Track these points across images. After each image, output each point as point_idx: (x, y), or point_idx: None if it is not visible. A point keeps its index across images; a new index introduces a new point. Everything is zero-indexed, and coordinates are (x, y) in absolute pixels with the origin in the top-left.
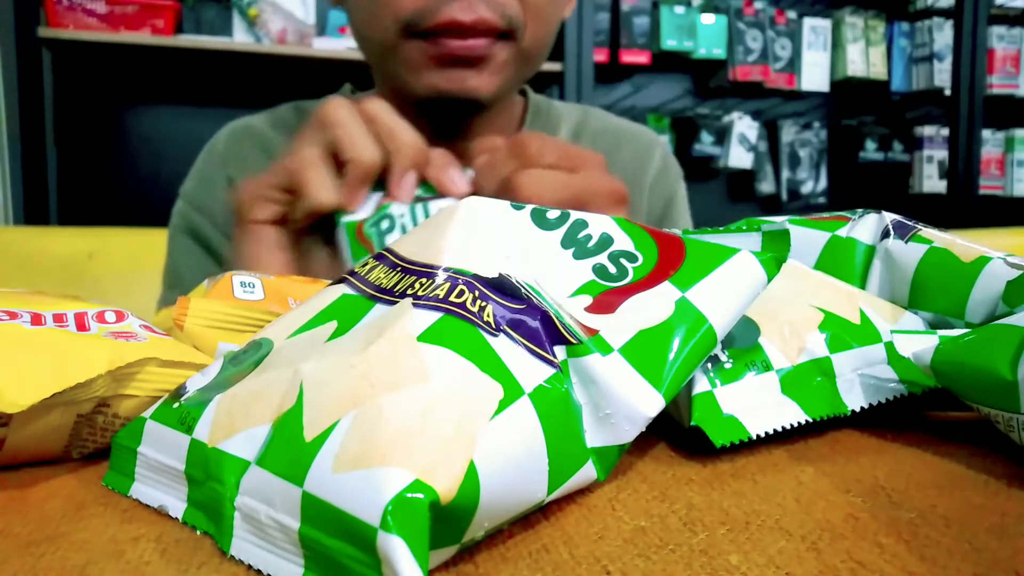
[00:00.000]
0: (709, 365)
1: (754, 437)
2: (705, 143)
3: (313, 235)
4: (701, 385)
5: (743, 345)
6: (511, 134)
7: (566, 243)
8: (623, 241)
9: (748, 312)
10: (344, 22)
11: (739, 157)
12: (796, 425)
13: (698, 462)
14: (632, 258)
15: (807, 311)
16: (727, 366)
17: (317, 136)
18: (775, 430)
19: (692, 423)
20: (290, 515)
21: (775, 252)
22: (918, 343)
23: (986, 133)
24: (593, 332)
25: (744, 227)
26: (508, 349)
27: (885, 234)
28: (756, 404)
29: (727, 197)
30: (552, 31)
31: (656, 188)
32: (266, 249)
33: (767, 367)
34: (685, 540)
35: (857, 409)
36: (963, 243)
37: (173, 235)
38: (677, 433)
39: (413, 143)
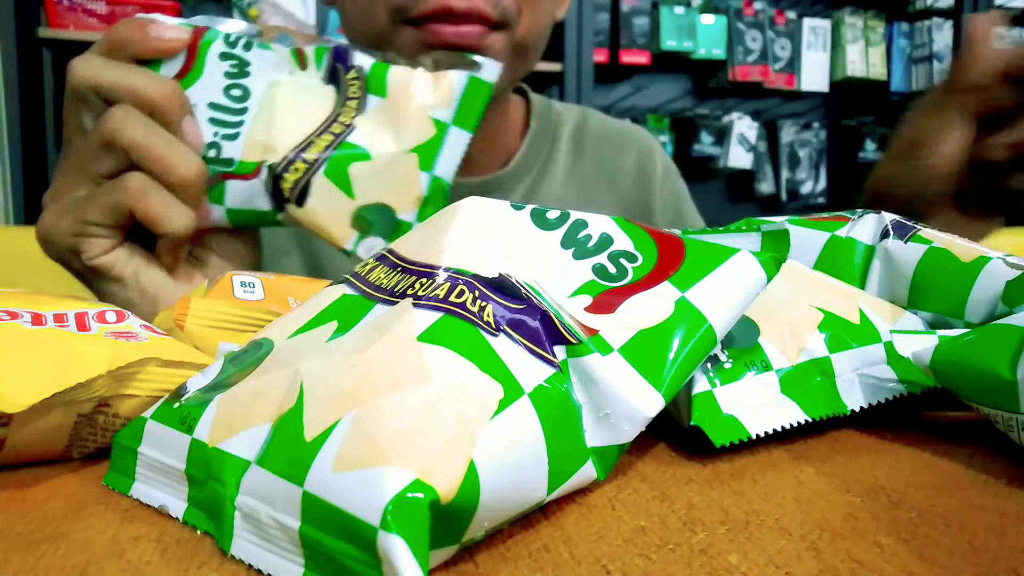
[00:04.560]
0: (709, 365)
1: (753, 437)
2: (705, 143)
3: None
4: (701, 385)
5: (743, 345)
6: (515, 135)
7: (566, 243)
8: (623, 241)
9: (748, 312)
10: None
11: (739, 157)
12: (795, 425)
13: (698, 462)
14: (632, 258)
15: (807, 311)
16: (727, 366)
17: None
18: (774, 430)
19: (692, 423)
20: (290, 515)
21: (775, 252)
22: (917, 343)
23: None
24: (593, 332)
25: (744, 227)
26: (508, 349)
27: (884, 234)
28: (756, 404)
29: (727, 197)
30: (546, 25)
31: (665, 189)
32: (133, 272)
33: (767, 367)
34: (685, 540)
35: (856, 409)
36: (962, 243)
37: None
38: (677, 433)
39: (161, 89)
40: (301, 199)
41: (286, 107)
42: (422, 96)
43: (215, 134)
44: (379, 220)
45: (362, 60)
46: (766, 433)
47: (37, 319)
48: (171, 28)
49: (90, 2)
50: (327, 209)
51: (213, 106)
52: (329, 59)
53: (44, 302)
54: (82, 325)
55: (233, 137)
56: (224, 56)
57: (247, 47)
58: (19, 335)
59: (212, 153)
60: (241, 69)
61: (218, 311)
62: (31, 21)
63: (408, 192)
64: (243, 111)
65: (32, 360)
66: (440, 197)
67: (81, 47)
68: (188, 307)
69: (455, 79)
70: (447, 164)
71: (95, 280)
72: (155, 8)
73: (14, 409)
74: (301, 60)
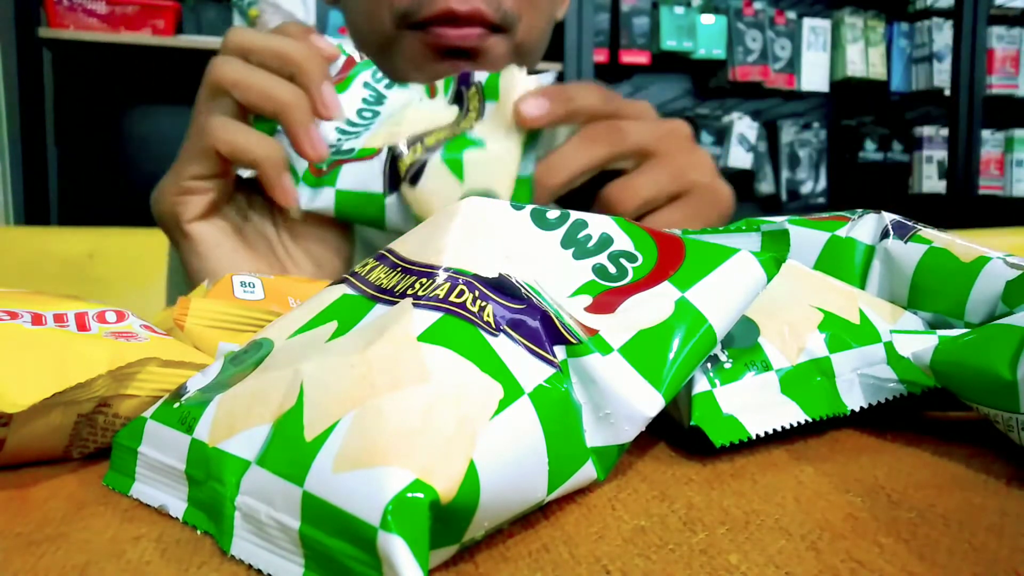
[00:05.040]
0: (709, 365)
1: (753, 437)
2: (705, 143)
3: (248, 197)
4: (701, 385)
5: (743, 345)
6: None
7: (566, 243)
8: (623, 241)
9: (748, 312)
10: (344, 23)
11: (739, 157)
12: (796, 425)
13: (698, 462)
14: (632, 258)
15: (807, 311)
16: (727, 366)
17: (220, 103)
18: (774, 430)
19: (692, 423)
20: (290, 515)
21: (775, 252)
22: (917, 343)
23: (985, 133)
24: (593, 332)
25: (744, 227)
26: (508, 349)
27: (884, 234)
28: (756, 404)
29: None
30: (546, 26)
31: None
32: (216, 246)
33: (767, 367)
34: (685, 540)
35: (857, 409)
36: (963, 243)
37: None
38: (677, 433)
39: (308, 54)
40: (415, 179)
41: (413, 119)
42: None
43: (338, 139)
44: None
45: (480, 76)
46: (766, 433)
47: (37, 319)
48: (330, 45)
49: (90, 2)
50: (438, 191)
51: (345, 121)
52: (455, 84)
53: (44, 302)
54: (82, 325)
55: (356, 136)
56: (367, 86)
57: (388, 86)
58: (19, 335)
59: (331, 150)
60: (378, 99)
61: (218, 311)
62: (31, 21)
63: (509, 182)
64: (368, 125)
65: (32, 360)
66: (526, 189)
67: (81, 47)
68: (188, 307)
69: (547, 78)
70: (535, 158)
71: (190, 255)
72: (155, 8)
73: (14, 409)
74: (432, 90)
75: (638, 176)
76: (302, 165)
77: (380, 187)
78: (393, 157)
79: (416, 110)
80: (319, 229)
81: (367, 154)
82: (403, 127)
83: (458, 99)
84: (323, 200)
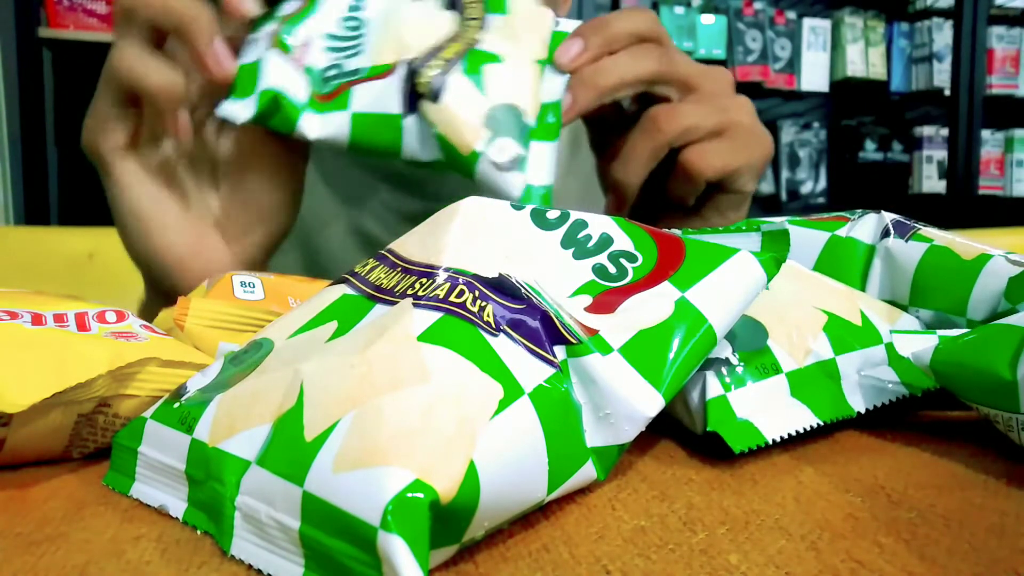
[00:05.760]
0: (724, 370)
1: (770, 442)
2: None
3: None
4: (714, 389)
5: (752, 348)
6: None
7: (566, 243)
8: (623, 241)
9: (755, 314)
10: None
11: None
12: (808, 429)
13: (698, 462)
14: (632, 258)
15: (811, 313)
16: (738, 370)
17: (127, 28)
18: (789, 434)
19: (708, 429)
20: (290, 515)
21: (775, 252)
22: (917, 343)
23: (985, 133)
24: (593, 332)
25: (744, 227)
26: (508, 349)
27: (885, 233)
28: (767, 407)
29: None
30: None
31: None
32: (138, 183)
33: (777, 370)
34: (685, 540)
35: (862, 411)
36: (963, 241)
37: None
38: (677, 433)
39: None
40: (436, 96)
41: (409, 23)
42: (543, 13)
43: (334, 60)
44: (509, 121)
45: None
46: (781, 438)
47: (37, 319)
48: None
49: (90, 2)
50: (462, 106)
51: (329, 36)
52: None
53: (44, 302)
54: (82, 325)
55: (355, 54)
56: None
57: None
58: (19, 335)
59: (333, 73)
60: (358, 3)
61: (218, 311)
62: (31, 21)
63: (533, 98)
64: (359, 36)
65: (32, 360)
66: (556, 113)
67: (81, 47)
68: (188, 307)
69: (569, 25)
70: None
71: (112, 189)
72: None
73: (14, 409)
74: None
75: (682, 104)
76: (303, 92)
77: (398, 107)
78: (411, 72)
79: (409, 14)
80: (261, 183)
81: (379, 71)
82: (407, 38)
83: (452, 2)
84: (335, 126)
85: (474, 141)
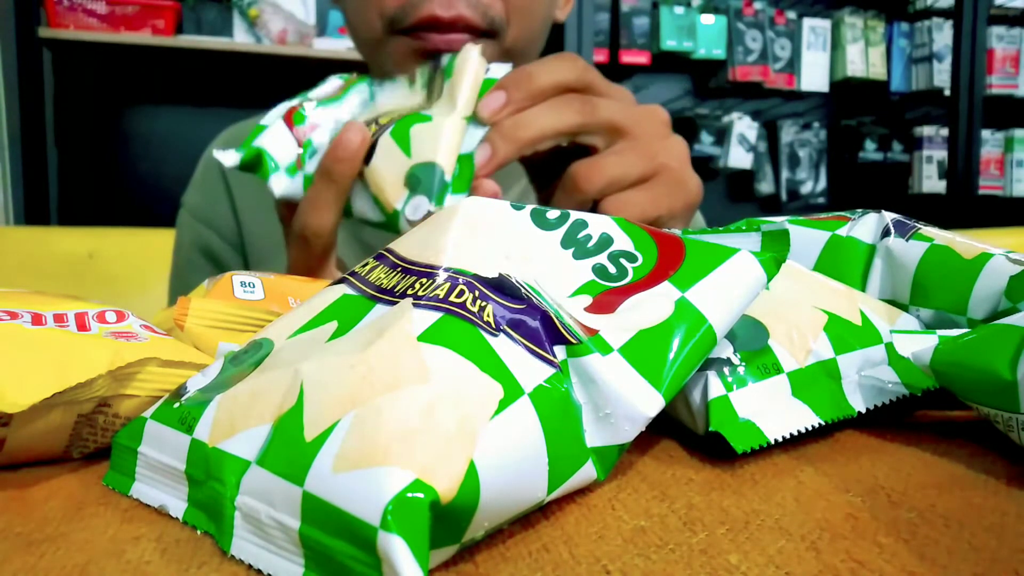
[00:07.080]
0: (726, 370)
1: (772, 442)
2: (705, 143)
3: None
4: (716, 389)
5: (753, 347)
6: None
7: (566, 243)
8: (623, 241)
9: (756, 314)
10: (344, 23)
11: (739, 157)
12: (810, 429)
13: (698, 462)
14: (632, 258)
15: (812, 313)
16: (740, 370)
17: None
18: (791, 434)
19: (711, 429)
20: (290, 515)
21: (775, 252)
22: (917, 343)
23: (985, 133)
24: (593, 332)
25: (744, 227)
26: (508, 349)
27: (885, 233)
28: (769, 408)
29: (727, 197)
30: (539, 31)
31: None
32: (322, 257)
33: (778, 370)
34: (685, 540)
35: (863, 411)
36: (964, 240)
37: (180, 247)
38: (677, 433)
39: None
40: (368, 157)
41: (384, 104)
42: (476, 69)
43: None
44: (427, 178)
45: (446, 59)
46: (783, 438)
47: (37, 319)
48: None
49: (90, 2)
50: (387, 167)
51: (338, 121)
52: (429, 69)
53: (44, 302)
54: (82, 325)
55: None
56: (362, 91)
57: (381, 84)
58: (19, 335)
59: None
60: (372, 98)
61: (218, 311)
62: (31, 21)
63: (454, 154)
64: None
65: (32, 360)
66: (468, 166)
67: (81, 47)
68: (188, 307)
69: (501, 70)
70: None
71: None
72: (155, 8)
73: (14, 409)
74: (412, 79)
75: (606, 155)
76: (288, 159)
77: None
78: None
79: (391, 98)
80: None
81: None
82: (370, 113)
83: (428, 83)
84: (295, 187)
85: (395, 200)
